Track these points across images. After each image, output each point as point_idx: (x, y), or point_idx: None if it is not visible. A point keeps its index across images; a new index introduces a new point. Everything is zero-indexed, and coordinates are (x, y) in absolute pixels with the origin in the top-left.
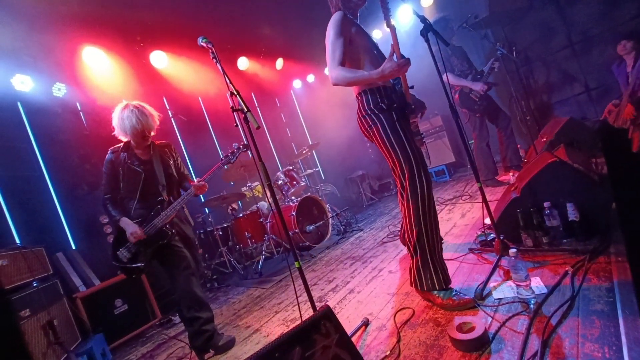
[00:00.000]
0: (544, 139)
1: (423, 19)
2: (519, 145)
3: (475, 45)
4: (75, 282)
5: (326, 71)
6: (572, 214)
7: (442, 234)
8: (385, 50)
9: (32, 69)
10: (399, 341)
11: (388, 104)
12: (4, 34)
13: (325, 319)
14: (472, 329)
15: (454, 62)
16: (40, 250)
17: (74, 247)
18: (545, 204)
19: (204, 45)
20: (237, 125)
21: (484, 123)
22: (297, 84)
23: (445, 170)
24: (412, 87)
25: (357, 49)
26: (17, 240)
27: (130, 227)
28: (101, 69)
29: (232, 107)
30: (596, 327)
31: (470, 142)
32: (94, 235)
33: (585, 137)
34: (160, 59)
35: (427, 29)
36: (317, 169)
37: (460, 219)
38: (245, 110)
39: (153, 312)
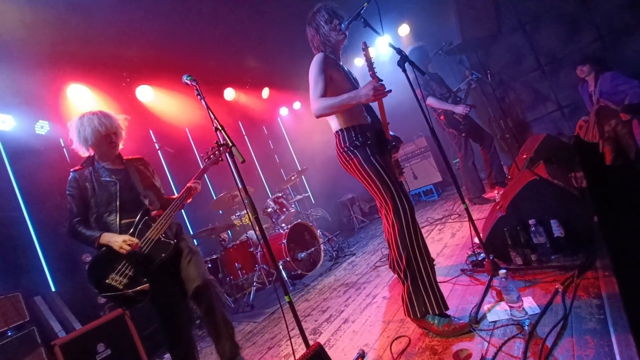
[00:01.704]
0: (524, 156)
1: (399, 51)
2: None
3: (452, 69)
4: (55, 327)
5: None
6: (556, 230)
7: (433, 254)
8: (365, 79)
9: (14, 108)
10: None
11: (362, 141)
12: None
13: (316, 358)
14: (469, 356)
15: (433, 87)
16: (17, 296)
17: (53, 289)
18: (531, 222)
19: (189, 83)
20: (222, 160)
21: (468, 143)
22: (283, 111)
23: (434, 189)
24: (388, 124)
25: (337, 88)
26: None
27: (116, 237)
28: (86, 105)
29: (217, 142)
30: (590, 347)
31: (455, 162)
32: (75, 276)
33: (562, 152)
34: (146, 93)
35: (404, 60)
36: (306, 194)
37: (451, 238)
38: (230, 144)
39: (138, 356)
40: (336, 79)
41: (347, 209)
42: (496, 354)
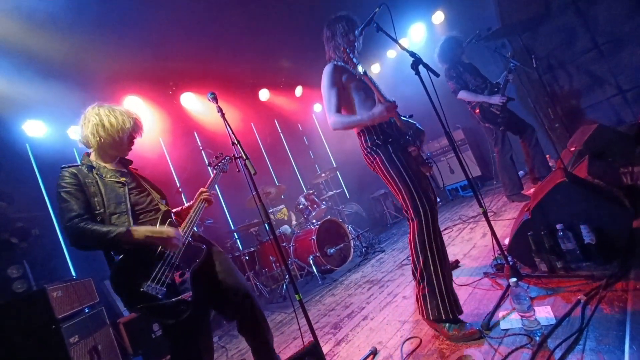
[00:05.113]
0: (573, 149)
1: (412, 54)
2: (548, 156)
3: (494, 56)
4: (120, 307)
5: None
6: (587, 236)
7: (460, 255)
8: (386, 82)
9: None
10: None
11: (384, 139)
12: (60, 94)
13: (309, 355)
14: None
15: (467, 78)
16: (89, 280)
17: None
18: (558, 227)
19: (210, 100)
20: (239, 171)
21: (505, 136)
22: (317, 107)
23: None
24: (411, 116)
25: (350, 94)
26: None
27: (162, 228)
28: (140, 114)
29: (233, 155)
30: None
31: (493, 155)
32: None
33: (617, 144)
34: (189, 100)
35: (417, 63)
36: (339, 190)
37: (481, 238)
38: (245, 157)
39: None
40: (348, 86)
41: (380, 204)
42: None
